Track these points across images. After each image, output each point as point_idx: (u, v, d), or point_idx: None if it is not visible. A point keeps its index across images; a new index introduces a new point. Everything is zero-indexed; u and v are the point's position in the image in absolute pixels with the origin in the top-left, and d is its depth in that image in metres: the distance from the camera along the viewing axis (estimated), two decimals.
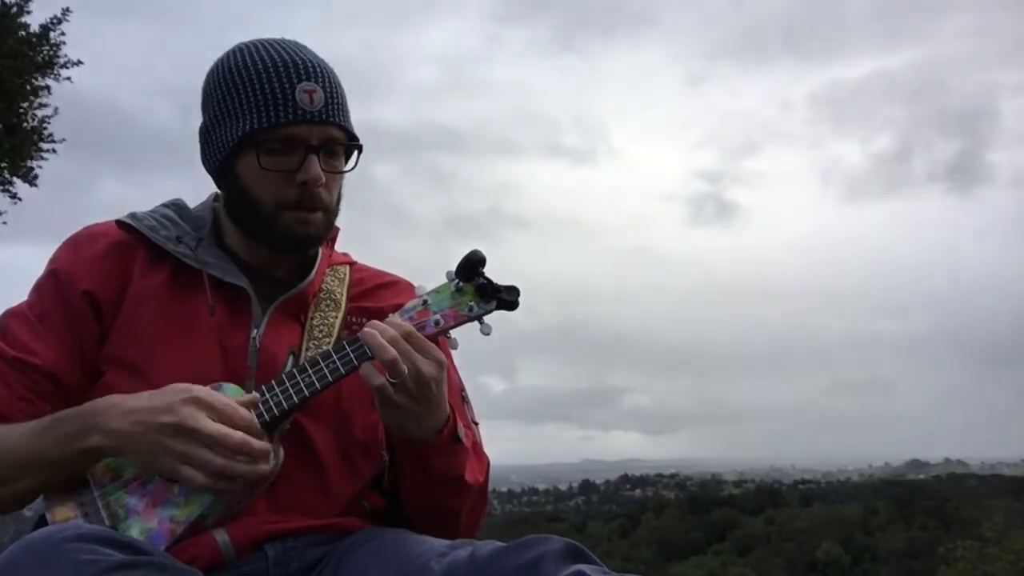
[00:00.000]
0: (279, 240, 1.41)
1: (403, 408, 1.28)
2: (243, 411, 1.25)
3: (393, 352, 1.26)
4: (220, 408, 1.23)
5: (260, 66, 1.37)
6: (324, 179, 1.38)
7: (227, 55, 1.42)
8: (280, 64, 1.37)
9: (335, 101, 1.39)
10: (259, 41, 1.42)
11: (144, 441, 1.22)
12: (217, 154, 1.41)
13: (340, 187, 1.46)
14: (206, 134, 1.43)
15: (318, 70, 1.38)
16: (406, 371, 1.25)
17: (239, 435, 1.21)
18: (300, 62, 1.38)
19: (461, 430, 1.38)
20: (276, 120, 1.35)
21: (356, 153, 1.45)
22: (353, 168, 1.46)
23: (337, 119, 1.39)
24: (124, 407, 1.24)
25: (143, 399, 1.25)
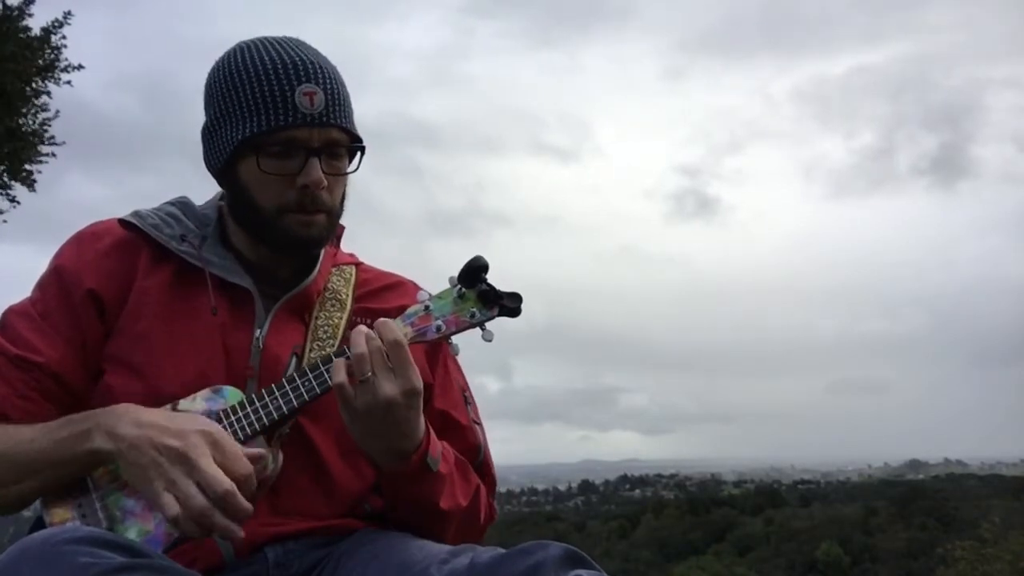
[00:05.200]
0: (281, 242, 1.41)
1: (362, 420, 1.26)
2: (246, 463, 1.21)
3: (363, 349, 1.24)
4: (227, 453, 1.20)
5: (260, 67, 1.35)
6: (326, 182, 1.37)
7: (228, 54, 1.41)
8: (280, 65, 1.35)
9: (336, 103, 1.38)
10: (260, 40, 1.41)
11: (143, 454, 1.20)
12: (219, 156, 1.40)
13: (344, 188, 1.45)
14: (208, 135, 1.42)
15: (319, 71, 1.37)
16: (368, 374, 1.24)
17: (229, 484, 1.17)
18: (300, 63, 1.36)
19: (434, 458, 1.33)
20: (276, 123, 1.34)
21: (359, 154, 1.44)
22: (356, 170, 1.45)
23: (338, 121, 1.38)
24: (138, 418, 1.24)
25: (160, 415, 1.25)
